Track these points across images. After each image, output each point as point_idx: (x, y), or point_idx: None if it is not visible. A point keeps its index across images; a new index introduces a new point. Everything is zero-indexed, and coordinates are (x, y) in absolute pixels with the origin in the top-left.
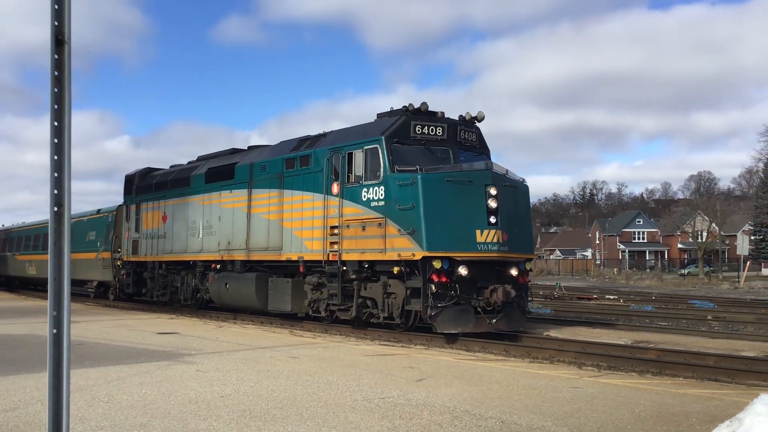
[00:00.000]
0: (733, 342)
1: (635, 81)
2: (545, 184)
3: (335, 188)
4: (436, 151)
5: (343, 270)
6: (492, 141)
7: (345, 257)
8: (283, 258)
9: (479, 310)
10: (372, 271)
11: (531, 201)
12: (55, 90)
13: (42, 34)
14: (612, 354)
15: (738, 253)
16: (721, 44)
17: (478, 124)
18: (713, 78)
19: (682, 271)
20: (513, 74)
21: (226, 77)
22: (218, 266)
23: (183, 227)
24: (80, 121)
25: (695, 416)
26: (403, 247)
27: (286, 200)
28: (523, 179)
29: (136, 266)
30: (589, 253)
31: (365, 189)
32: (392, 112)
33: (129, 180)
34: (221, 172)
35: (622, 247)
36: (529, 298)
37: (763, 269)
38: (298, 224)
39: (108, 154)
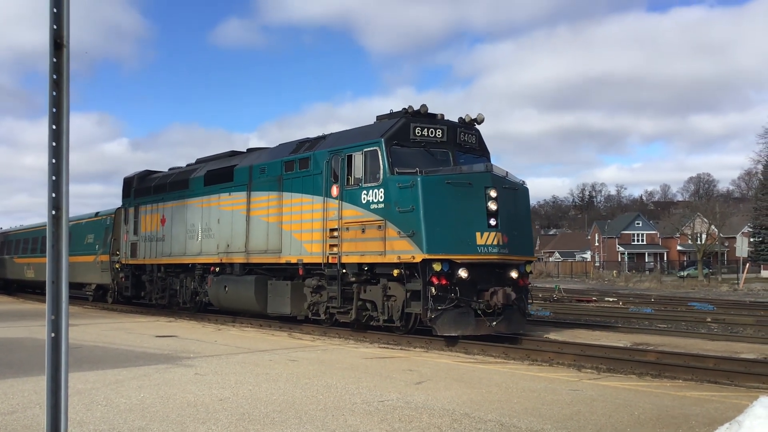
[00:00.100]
0: (732, 344)
1: (634, 83)
2: (544, 186)
3: (335, 191)
4: (435, 154)
5: (343, 273)
6: (491, 143)
7: (345, 260)
8: (283, 261)
9: (479, 312)
10: (372, 273)
11: (530, 203)
12: (54, 93)
13: (41, 37)
14: (611, 356)
15: (737, 255)
16: (720, 46)
17: (477, 126)
18: (712, 80)
19: (682, 273)
20: (512, 77)
21: (225, 80)
22: (217, 269)
23: (182, 230)
24: (79, 124)
25: (695, 419)
26: (402, 249)
27: (285, 203)
28: (523, 181)
29: (134, 269)
30: (588, 255)
31: (365, 191)
32: (392, 115)
33: (127, 183)
34: (220, 174)
35: (621, 249)
36: (529, 301)
37: (762, 271)
38: (298, 227)
39: (107, 156)
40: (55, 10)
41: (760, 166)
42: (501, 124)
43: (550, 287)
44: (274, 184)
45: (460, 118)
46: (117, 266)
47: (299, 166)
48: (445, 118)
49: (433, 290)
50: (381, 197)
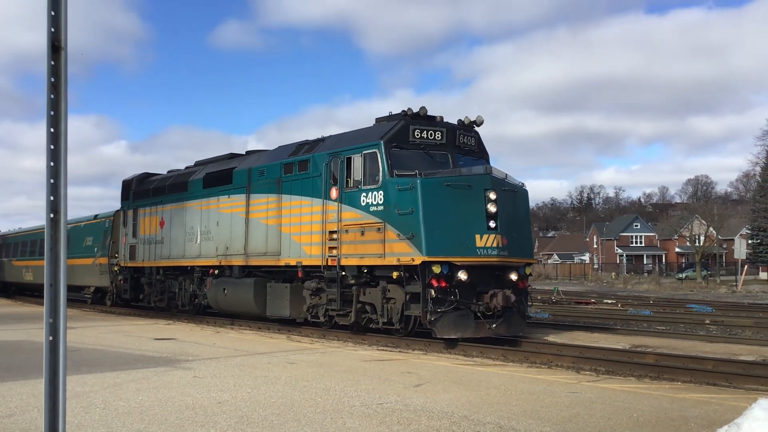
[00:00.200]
0: (731, 346)
1: (632, 85)
2: (543, 188)
3: (334, 193)
4: (435, 156)
5: (342, 275)
6: (489, 145)
7: (344, 262)
8: (282, 263)
9: (479, 315)
10: (371, 276)
11: (529, 205)
12: (52, 96)
13: (39, 39)
14: (610, 358)
15: (735, 257)
16: (719, 48)
17: (477, 128)
18: (711, 82)
19: (680, 275)
20: (510, 79)
21: (223, 82)
22: (216, 271)
23: (181, 232)
24: (78, 126)
25: (693, 421)
26: (402, 251)
27: (284, 205)
28: (523, 183)
29: (133, 272)
30: (586, 257)
31: (364, 194)
32: (391, 117)
33: (126, 185)
34: (219, 177)
35: (619, 251)
36: (529, 303)
37: (760, 273)
38: (297, 229)
39: (105, 159)
40: (52, 13)
41: (758, 168)
42: (499, 126)
43: (549, 289)
44: (273, 187)
45: (460, 120)
46: (116, 269)
47: (298, 169)
48: (444, 120)
49: (433, 292)
50: (380, 199)
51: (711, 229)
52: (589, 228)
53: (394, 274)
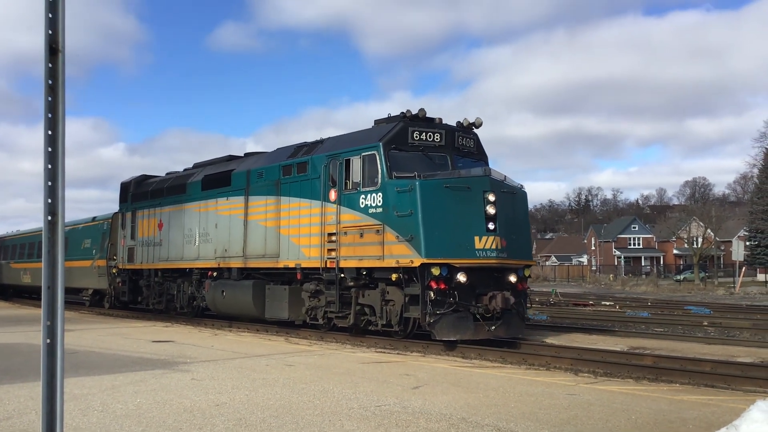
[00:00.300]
0: (729, 348)
1: (630, 87)
2: (541, 190)
3: (333, 195)
4: (434, 158)
5: (341, 277)
6: (488, 147)
7: (343, 264)
8: (281, 265)
9: (478, 317)
10: (370, 278)
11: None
12: (49, 99)
13: (37, 42)
14: (608, 360)
15: (733, 258)
16: (716, 50)
17: (475, 130)
18: (708, 84)
19: (678, 277)
20: (508, 81)
21: (221, 84)
22: (215, 274)
23: (179, 234)
24: (75, 129)
25: (692, 423)
26: (401, 253)
27: (283, 207)
28: (521, 185)
29: (131, 274)
30: (584, 259)
31: (363, 195)
32: (390, 119)
33: (124, 187)
34: (218, 179)
35: (617, 253)
36: (528, 305)
37: (758, 275)
38: (296, 231)
39: (103, 161)
40: (50, 15)
41: (755, 170)
42: (498, 128)
43: (547, 291)
44: (271, 189)
45: (458, 122)
46: (114, 271)
47: (297, 171)
48: (443, 122)
49: (432, 295)
50: (379, 201)
51: (709, 230)
52: (587, 230)
53: (393, 276)
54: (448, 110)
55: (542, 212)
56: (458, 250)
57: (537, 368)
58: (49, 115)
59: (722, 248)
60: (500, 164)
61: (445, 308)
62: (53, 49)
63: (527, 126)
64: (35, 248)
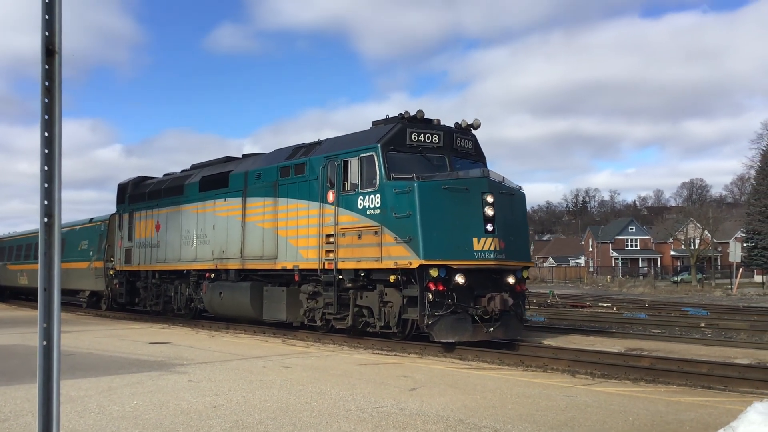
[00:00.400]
0: (726, 349)
1: (627, 89)
2: (538, 191)
3: (331, 196)
4: (432, 159)
5: (339, 279)
6: (485, 149)
7: (341, 266)
8: (278, 267)
9: (476, 318)
10: (368, 279)
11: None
12: (46, 100)
13: (34, 43)
14: (605, 362)
15: (730, 260)
16: (713, 52)
17: (474, 131)
18: (705, 86)
19: (675, 279)
20: (506, 82)
21: (219, 85)
22: (212, 275)
23: (176, 236)
24: (73, 130)
25: (689, 424)
26: (399, 255)
27: (281, 208)
28: (520, 187)
29: (129, 275)
30: (582, 260)
31: (361, 197)
32: (388, 120)
33: (122, 189)
34: (215, 180)
35: (615, 254)
36: (526, 306)
37: (755, 276)
38: (294, 233)
39: (100, 162)
40: (47, 17)
41: (752, 172)
42: (495, 130)
43: (545, 292)
44: (269, 190)
45: (457, 123)
46: (111, 273)
47: (295, 172)
48: (441, 123)
49: (430, 296)
50: (377, 203)
51: (706, 232)
52: (584, 231)
53: (392, 278)
54: (445, 112)
55: (540, 214)
56: (456, 252)
57: (534, 370)
58: (46, 117)
59: (719, 250)
60: (498, 165)
61: (444, 310)
62: (50, 50)
63: (525, 127)
64: (32, 250)
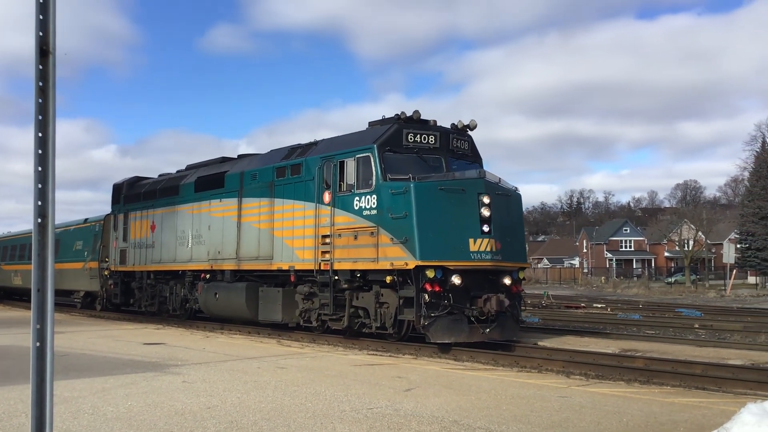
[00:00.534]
0: (720, 350)
1: (622, 90)
2: (533, 192)
3: (327, 197)
4: (428, 160)
5: (335, 279)
6: (481, 150)
7: (337, 266)
8: (274, 267)
9: (473, 319)
10: (364, 280)
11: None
12: (40, 100)
13: (29, 43)
14: (600, 363)
15: (724, 261)
16: (708, 54)
17: (470, 132)
18: (700, 87)
19: (669, 280)
20: (501, 83)
21: (214, 86)
22: (208, 276)
23: (172, 236)
24: (67, 130)
25: (683, 425)
26: (395, 256)
27: (276, 209)
28: (516, 188)
29: (123, 276)
30: (576, 261)
31: (357, 198)
32: (384, 121)
33: (117, 189)
34: (211, 180)
35: (609, 255)
36: (522, 307)
37: (749, 277)
38: (289, 233)
39: (95, 163)
40: (41, 17)
41: (746, 173)
42: (490, 131)
43: (539, 293)
44: (265, 191)
45: (453, 124)
46: (106, 273)
47: (291, 173)
48: (438, 124)
49: (427, 297)
50: (374, 203)
51: (700, 233)
52: (578, 232)
53: (388, 279)
54: (441, 112)
55: (534, 215)
56: (453, 253)
57: (529, 371)
58: (40, 117)
59: (713, 251)
60: (493, 166)
61: (440, 311)
62: (44, 50)
63: (520, 128)
64: (26, 250)
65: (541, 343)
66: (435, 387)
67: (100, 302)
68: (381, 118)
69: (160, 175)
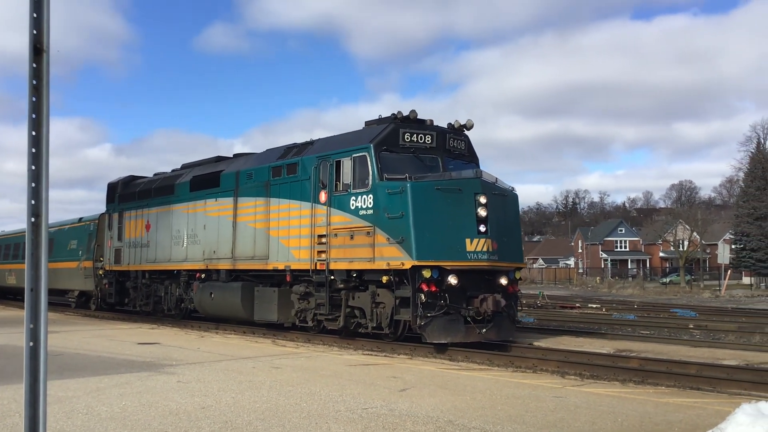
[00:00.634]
0: (714, 351)
1: (618, 91)
2: (528, 192)
3: (323, 196)
4: (425, 159)
5: (331, 279)
6: (477, 150)
7: (333, 266)
8: (270, 267)
9: (469, 319)
10: (360, 280)
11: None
12: (33, 99)
13: (23, 41)
14: (595, 363)
15: (719, 261)
16: (704, 54)
17: (466, 132)
18: (695, 88)
19: (664, 280)
20: (497, 83)
21: (210, 85)
22: (203, 275)
23: (167, 236)
24: (62, 129)
25: (677, 425)
26: (392, 256)
27: (272, 208)
28: (513, 188)
29: (118, 275)
30: (571, 261)
31: (353, 197)
32: (381, 120)
33: (112, 188)
34: (206, 180)
35: (604, 255)
36: (519, 308)
37: (743, 278)
38: (285, 233)
39: (90, 162)
40: (35, 15)
41: (741, 174)
42: (486, 131)
43: (534, 293)
44: (261, 190)
45: (450, 123)
46: (100, 272)
47: (287, 172)
48: (434, 123)
49: (423, 297)
50: (370, 203)
51: (695, 234)
52: (574, 232)
53: (384, 279)
54: (437, 112)
55: (530, 215)
56: (449, 253)
57: (524, 371)
58: (33, 116)
59: (708, 251)
60: (489, 167)
61: (436, 311)
62: (37, 49)
63: (516, 128)
64: (20, 249)
65: (536, 343)
66: (430, 387)
67: (95, 302)
68: (377, 117)
69: (155, 175)
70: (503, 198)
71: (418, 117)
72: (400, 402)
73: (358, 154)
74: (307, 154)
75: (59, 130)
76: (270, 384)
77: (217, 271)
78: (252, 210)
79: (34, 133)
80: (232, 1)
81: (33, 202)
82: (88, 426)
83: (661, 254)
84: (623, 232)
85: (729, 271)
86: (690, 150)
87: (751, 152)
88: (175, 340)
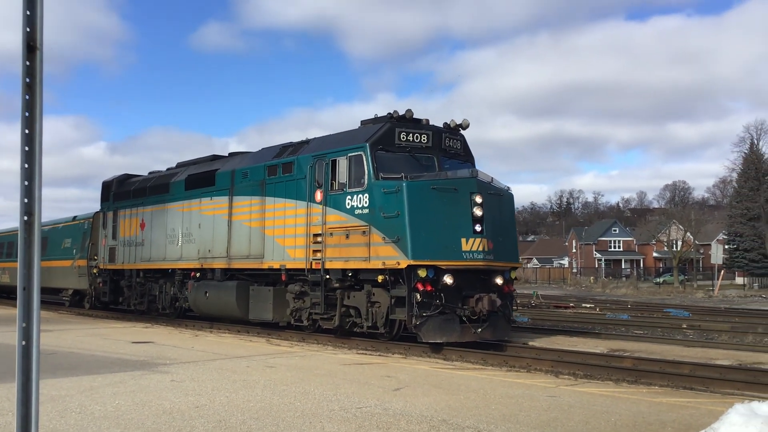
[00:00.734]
0: (707, 350)
1: (612, 91)
2: (523, 192)
3: (318, 196)
4: (420, 159)
5: (327, 278)
6: (471, 149)
7: (328, 265)
8: (265, 266)
9: (464, 319)
10: (356, 279)
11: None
12: (27, 97)
13: (15, 39)
14: (588, 363)
15: (712, 262)
16: (698, 55)
17: (462, 131)
18: (689, 89)
19: (658, 280)
20: (492, 84)
21: (205, 84)
22: (198, 274)
23: (162, 234)
24: (56, 127)
25: (670, 425)
26: (387, 255)
27: (268, 207)
28: (508, 187)
29: (112, 274)
30: (565, 261)
31: (349, 196)
32: (376, 119)
33: (106, 186)
34: (201, 178)
35: (598, 255)
36: (514, 307)
37: (736, 278)
38: (281, 232)
39: (84, 160)
40: (28, 13)
41: (734, 174)
42: (481, 131)
43: (528, 293)
44: (256, 189)
45: (446, 123)
46: (95, 271)
47: (282, 171)
48: (430, 123)
49: (418, 296)
50: (366, 202)
51: (688, 234)
52: (568, 232)
53: (379, 278)
54: (432, 112)
55: (524, 215)
56: (445, 252)
57: (518, 370)
58: (27, 114)
59: (701, 251)
60: (484, 166)
61: (432, 310)
62: (31, 46)
63: (511, 128)
64: (14, 247)
65: (530, 343)
66: (424, 386)
67: (89, 300)
68: (373, 116)
69: (150, 173)
70: (499, 198)
71: (414, 116)
72: (394, 401)
73: (353, 154)
74: (302, 153)
75: (53, 128)
76: (264, 383)
77: (212, 270)
78: (247, 209)
79: (27, 130)
80: (227, 0)
81: (26, 200)
82: (81, 425)
83: (654, 254)
84: (617, 232)
85: (722, 272)
86: (684, 150)
87: (745, 153)
88: (169, 339)
